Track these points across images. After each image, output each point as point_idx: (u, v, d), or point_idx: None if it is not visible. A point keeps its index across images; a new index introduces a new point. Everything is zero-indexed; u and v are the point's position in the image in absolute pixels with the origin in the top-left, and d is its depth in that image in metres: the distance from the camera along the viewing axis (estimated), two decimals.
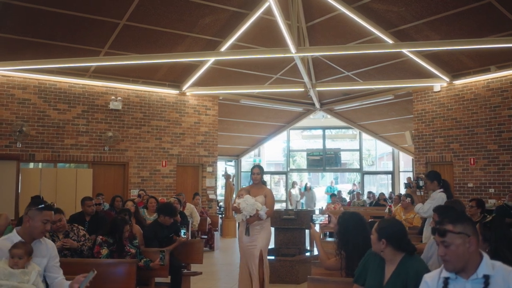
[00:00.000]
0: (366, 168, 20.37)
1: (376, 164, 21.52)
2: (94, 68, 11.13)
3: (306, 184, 16.78)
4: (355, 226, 3.95)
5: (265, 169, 21.71)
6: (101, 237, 5.40)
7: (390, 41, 10.08)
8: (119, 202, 8.44)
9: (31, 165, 11.09)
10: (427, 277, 2.57)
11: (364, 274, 3.30)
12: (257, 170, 6.16)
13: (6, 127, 10.38)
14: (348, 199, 16.32)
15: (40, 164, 11.15)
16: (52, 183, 10.82)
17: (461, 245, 2.38)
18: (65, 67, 10.62)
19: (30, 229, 3.49)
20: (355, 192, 16.25)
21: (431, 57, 10.88)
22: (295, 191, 16.57)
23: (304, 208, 16.56)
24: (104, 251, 5.23)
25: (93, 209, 7.03)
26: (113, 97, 11.74)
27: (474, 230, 2.45)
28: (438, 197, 6.25)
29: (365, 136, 18.54)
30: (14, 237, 3.52)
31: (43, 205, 3.51)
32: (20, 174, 10.51)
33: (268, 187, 6.62)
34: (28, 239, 3.52)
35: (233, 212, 8.43)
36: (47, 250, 3.66)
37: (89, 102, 11.50)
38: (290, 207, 16.45)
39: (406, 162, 18.73)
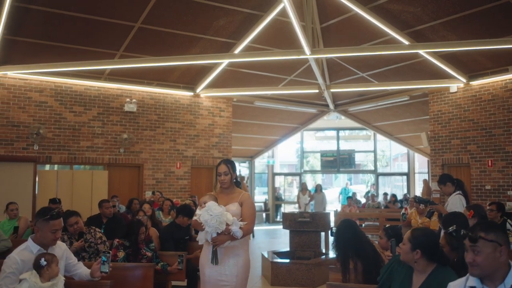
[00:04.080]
0: (380, 170, 20.27)
1: (391, 165, 21.42)
2: (109, 71, 11.19)
3: (317, 185, 16.41)
4: (345, 232, 4.24)
5: (279, 170, 21.51)
6: (117, 240, 5.43)
7: (406, 42, 9.99)
8: (136, 205, 8.47)
9: (48, 167, 11.18)
10: (453, 286, 2.54)
11: (388, 282, 3.23)
12: (224, 168, 4.19)
13: (23, 129, 10.48)
14: (363, 201, 16.21)
15: (56, 166, 11.24)
16: (69, 185, 10.91)
17: (491, 253, 2.35)
18: (80, 70, 10.69)
19: (41, 239, 3.54)
20: (370, 194, 16.13)
21: (448, 58, 10.77)
22: (304, 194, 16.15)
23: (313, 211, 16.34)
24: (121, 254, 5.25)
25: (110, 211, 7.08)
26: (128, 99, 11.80)
27: (506, 239, 2.42)
28: (454, 200, 6.19)
29: (379, 137, 18.43)
30: (32, 246, 3.56)
31: (49, 216, 3.54)
32: (37, 176, 10.62)
33: (246, 191, 4.95)
34: (44, 246, 3.56)
35: (193, 230, 6.49)
36: (61, 252, 3.72)
37: (104, 105, 11.57)
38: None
39: (421, 163, 18.58)
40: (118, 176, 11.79)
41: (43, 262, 3.43)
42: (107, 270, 3.66)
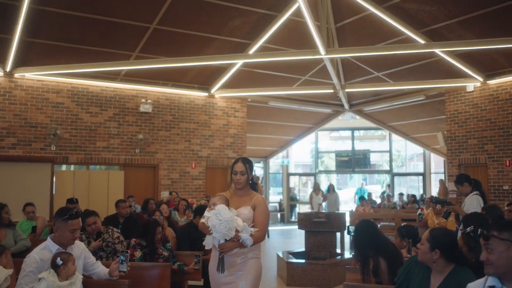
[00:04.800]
0: (396, 170, 20.13)
1: (406, 165, 21.25)
2: (125, 72, 11.28)
3: (330, 185, 16.26)
4: (364, 231, 4.22)
5: (293, 171, 21.51)
6: (134, 239, 5.48)
7: (422, 41, 9.92)
8: (152, 205, 8.52)
9: (64, 167, 11.30)
10: (472, 287, 2.52)
11: (406, 283, 3.22)
12: (241, 167, 3.91)
13: (41, 130, 10.61)
14: (378, 201, 16.11)
15: (72, 166, 11.35)
16: (85, 185, 11.02)
17: (504, 252, 2.34)
18: (97, 71, 10.79)
19: (60, 238, 3.58)
20: (385, 194, 16.02)
21: (464, 57, 10.66)
22: (317, 195, 15.96)
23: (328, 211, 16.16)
24: (138, 253, 5.29)
25: (127, 211, 7.15)
26: (143, 100, 11.88)
27: None
28: (471, 201, 6.14)
29: (394, 137, 18.31)
30: (51, 245, 3.61)
31: (67, 216, 3.57)
32: (54, 176, 10.73)
33: (261, 192, 4.66)
34: (62, 245, 3.61)
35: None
36: (80, 251, 3.76)
37: (120, 105, 11.66)
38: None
39: (437, 163, 18.42)
40: (134, 176, 11.87)
41: (59, 261, 3.46)
42: (125, 269, 3.69)
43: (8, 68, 10.11)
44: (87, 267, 3.83)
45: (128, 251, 3.87)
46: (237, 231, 3.60)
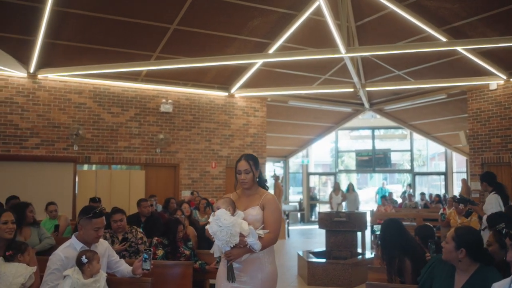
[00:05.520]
0: (417, 169, 19.92)
1: (428, 164, 21.01)
2: (146, 72, 11.37)
3: (349, 184, 16.12)
4: (391, 231, 4.16)
5: (313, 170, 21.42)
6: (156, 238, 5.52)
7: (443, 39, 9.79)
8: (173, 204, 8.58)
9: (86, 167, 11.44)
10: (497, 286, 2.48)
11: (429, 282, 3.19)
12: (245, 165, 3.58)
13: (63, 130, 10.76)
14: (399, 201, 15.96)
15: (94, 166, 11.49)
16: (107, 184, 11.15)
17: None
18: (118, 71, 10.90)
19: (84, 237, 3.63)
20: (406, 194, 15.86)
21: (487, 55, 10.50)
22: (336, 194, 15.78)
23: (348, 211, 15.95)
24: (160, 252, 5.34)
25: (148, 210, 7.20)
26: (164, 100, 11.97)
27: None
28: (490, 200, 6.09)
29: (415, 136, 18.13)
30: (75, 243, 3.66)
31: (91, 214, 3.62)
32: (76, 176, 10.88)
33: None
34: (87, 243, 3.66)
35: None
36: (103, 249, 3.81)
37: (141, 105, 11.76)
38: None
39: (459, 162, 18.19)
40: (155, 175, 11.97)
41: (84, 259, 3.51)
42: (149, 268, 3.72)
43: (31, 70, 10.29)
44: (111, 265, 3.88)
45: (151, 249, 3.90)
46: (243, 236, 3.28)
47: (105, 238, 5.43)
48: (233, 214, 3.38)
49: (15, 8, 8.39)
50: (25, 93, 10.42)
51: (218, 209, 3.38)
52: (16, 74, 10.25)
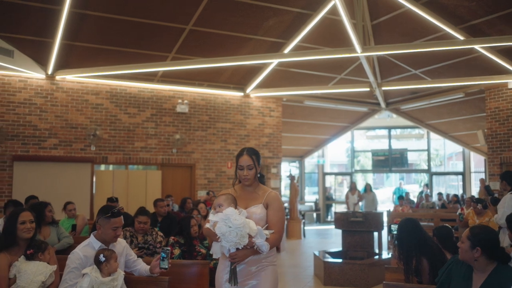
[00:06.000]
0: (434, 169, 19.74)
1: (445, 164, 20.83)
2: (162, 73, 11.44)
3: (366, 184, 15.99)
4: (408, 230, 4.13)
5: (329, 170, 21.35)
6: (173, 237, 5.56)
7: (461, 37, 9.69)
8: (189, 204, 8.63)
9: (103, 167, 11.55)
10: None
11: (447, 282, 3.16)
12: (248, 160, 3.36)
13: (81, 131, 10.88)
14: (416, 201, 15.83)
15: (111, 166, 11.59)
16: (124, 184, 11.25)
17: None
18: (134, 72, 10.98)
19: (103, 236, 3.66)
20: (423, 194, 15.71)
21: (506, 53, 10.36)
22: (353, 194, 15.60)
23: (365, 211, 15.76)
24: (177, 251, 5.37)
25: (165, 210, 7.26)
26: (180, 101, 12.03)
27: None
28: (504, 199, 6.05)
29: (432, 135, 17.97)
30: (94, 242, 3.70)
31: (110, 214, 3.65)
32: (94, 176, 10.99)
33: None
34: (105, 242, 3.69)
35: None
36: (121, 248, 3.84)
37: (157, 106, 11.84)
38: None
39: (477, 162, 17.98)
40: (171, 175, 12.04)
41: (102, 258, 3.55)
42: (167, 266, 3.74)
43: (50, 71, 10.42)
44: (129, 264, 3.91)
45: (169, 248, 3.92)
46: (250, 236, 3.06)
47: (125, 237, 5.49)
48: None
49: (33, 11, 8.52)
50: (43, 94, 10.56)
51: (219, 206, 3.20)
52: (35, 75, 10.39)
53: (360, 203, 15.36)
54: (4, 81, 10.19)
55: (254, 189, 3.41)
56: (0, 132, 9.93)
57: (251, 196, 3.37)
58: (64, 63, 10.39)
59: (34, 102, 10.48)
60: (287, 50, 10.86)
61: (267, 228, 3.23)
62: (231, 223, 2.98)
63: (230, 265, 3.18)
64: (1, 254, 3.69)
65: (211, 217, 3.15)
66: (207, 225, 3.19)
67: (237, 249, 3.09)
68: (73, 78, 10.84)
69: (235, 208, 3.21)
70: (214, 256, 3.38)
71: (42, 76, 10.49)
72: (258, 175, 3.41)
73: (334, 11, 9.42)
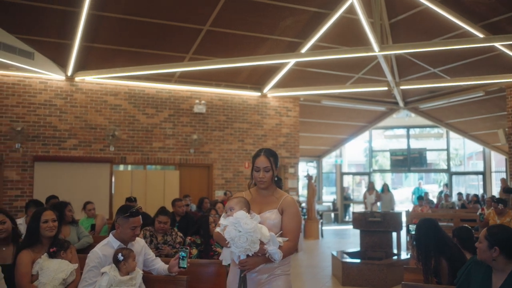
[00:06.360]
0: (454, 169, 19.50)
1: (465, 164, 20.55)
2: (179, 74, 11.50)
3: (384, 184, 15.83)
4: (427, 230, 4.08)
5: (347, 170, 21.21)
6: (190, 237, 5.59)
7: (480, 35, 9.57)
8: (207, 204, 8.67)
9: (122, 167, 11.65)
10: None
11: (466, 284, 3.12)
12: (265, 162, 3.16)
13: (100, 131, 11.00)
14: (435, 201, 15.65)
15: (130, 166, 11.69)
16: (142, 184, 11.34)
17: None
18: (152, 73, 11.06)
19: (121, 235, 3.70)
20: (443, 194, 15.53)
21: None
22: (370, 194, 15.43)
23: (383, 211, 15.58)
24: (194, 251, 5.40)
25: (183, 209, 7.30)
26: (197, 101, 12.08)
27: None
28: None
29: (452, 134, 17.76)
30: (113, 242, 3.73)
31: (128, 213, 3.69)
32: (113, 176, 11.10)
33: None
34: (124, 242, 3.73)
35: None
36: (140, 247, 3.88)
37: (175, 106, 11.91)
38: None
39: (498, 161, 17.71)
40: (189, 175, 12.10)
41: (120, 257, 3.58)
42: (186, 266, 3.75)
43: (69, 73, 10.55)
44: (147, 263, 3.94)
45: (188, 248, 3.94)
46: (262, 243, 2.88)
47: (145, 236, 5.53)
48: None
49: (53, 13, 8.65)
50: (63, 95, 10.70)
51: (231, 209, 3.00)
52: (54, 77, 10.54)
53: (378, 203, 15.23)
54: (25, 82, 10.35)
55: (270, 193, 3.19)
56: (21, 133, 10.09)
57: (266, 200, 3.17)
58: (83, 65, 10.51)
59: (54, 103, 10.62)
60: (304, 50, 10.84)
61: (281, 235, 3.02)
62: (241, 228, 2.80)
63: (240, 272, 2.99)
64: (25, 251, 3.77)
65: (222, 220, 3.00)
66: (217, 229, 3.04)
67: (248, 256, 2.90)
68: (92, 79, 10.96)
69: (248, 212, 3.02)
70: (223, 263, 3.20)
71: (62, 77, 10.63)
72: (275, 179, 3.21)
73: (351, 10, 9.38)
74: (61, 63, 10.33)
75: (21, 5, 8.28)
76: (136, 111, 11.47)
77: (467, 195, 15.80)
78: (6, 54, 8.96)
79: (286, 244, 2.99)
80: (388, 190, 15.33)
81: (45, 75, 10.42)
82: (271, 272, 3.05)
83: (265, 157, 3.15)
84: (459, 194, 15.38)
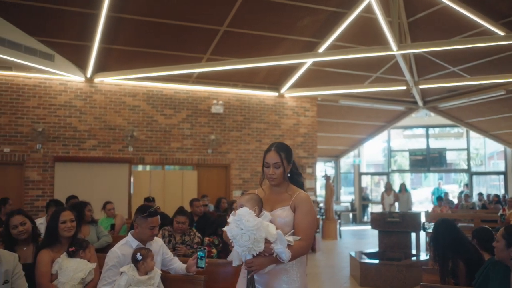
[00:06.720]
0: (474, 168, 19.24)
1: (485, 164, 20.26)
2: (197, 74, 11.55)
3: (401, 184, 15.63)
4: (444, 231, 4.05)
5: (365, 170, 21.08)
6: (207, 238, 5.61)
7: (501, 33, 9.43)
8: (224, 204, 8.70)
9: (140, 167, 11.74)
10: None
11: (485, 284, 3.08)
12: (275, 158, 2.95)
13: (119, 132, 11.11)
14: (455, 202, 15.47)
15: (148, 166, 11.78)
16: (160, 184, 11.42)
17: None
18: (170, 74, 11.11)
19: (140, 235, 3.74)
20: (463, 194, 15.34)
21: None
22: (388, 195, 15.20)
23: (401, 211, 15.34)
24: (214, 251, 5.43)
25: (201, 209, 7.33)
26: (215, 101, 12.12)
27: None
28: None
29: (472, 134, 17.53)
30: (131, 241, 3.78)
31: (147, 213, 3.72)
32: (132, 176, 11.20)
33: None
34: (142, 241, 3.77)
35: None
36: (158, 247, 3.91)
37: (192, 107, 11.96)
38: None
39: None
40: (206, 176, 12.14)
41: (138, 256, 3.62)
42: (204, 266, 3.77)
43: (88, 74, 10.68)
44: (165, 262, 3.97)
45: (206, 248, 3.95)
46: (269, 242, 2.67)
47: (163, 236, 5.57)
48: (258, 215, 2.78)
49: (73, 16, 8.77)
50: (82, 96, 10.83)
51: (241, 207, 2.78)
52: (74, 78, 10.67)
53: (396, 204, 15.09)
54: (45, 84, 10.51)
55: (283, 189, 2.99)
56: (42, 134, 10.24)
57: (278, 198, 2.96)
58: (102, 66, 10.63)
59: (74, 105, 10.76)
60: (321, 50, 10.80)
61: (293, 234, 2.81)
62: (243, 225, 2.61)
63: (247, 273, 2.81)
64: (44, 250, 3.83)
65: (230, 219, 2.77)
66: (225, 228, 2.79)
67: (254, 256, 2.69)
68: (111, 80, 11.07)
69: (260, 210, 2.86)
70: (233, 264, 2.96)
71: (81, 79, 10.76)
72: (288, 175, 3.02)
73: (369, 9, 9.32)
74: (81, 65, 10.46)
75: (41, 8, 8.41)
76: (154, 111, 11.55)
77: (488, 195, 15.59)
78: (27, 56, 9.10)
79: (297, 243, 2.77)
80: (406, 190, 15.17)
81: (65, 77, 10.56)
82: (283, 274, 2.85)
83: (275, 152, 2.93)
84: (480, 194, 15.17)
